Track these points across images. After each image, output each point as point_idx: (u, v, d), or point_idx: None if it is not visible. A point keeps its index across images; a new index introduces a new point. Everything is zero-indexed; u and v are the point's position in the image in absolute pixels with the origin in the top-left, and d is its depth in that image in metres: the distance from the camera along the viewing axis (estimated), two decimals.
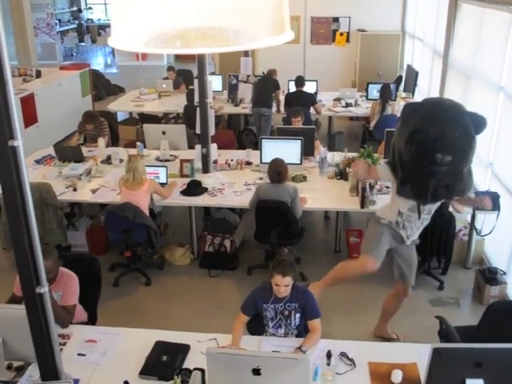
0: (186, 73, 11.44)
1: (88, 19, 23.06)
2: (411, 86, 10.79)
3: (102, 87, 13.66)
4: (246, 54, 10.45)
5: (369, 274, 4.29)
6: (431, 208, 4.05)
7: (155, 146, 6.89)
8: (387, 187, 5.69)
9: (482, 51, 6.64)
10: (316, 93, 9.69)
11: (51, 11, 18.95)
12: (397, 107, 8.96)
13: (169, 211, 6.86)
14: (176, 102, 9.56)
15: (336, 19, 12.79)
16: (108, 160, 6.79)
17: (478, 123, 3.65)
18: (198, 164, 6.45)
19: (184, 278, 5.85)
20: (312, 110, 8.88)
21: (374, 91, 9.61)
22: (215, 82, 8.85)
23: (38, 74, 10.93)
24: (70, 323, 3.64)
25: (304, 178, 6.21)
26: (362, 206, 5.53)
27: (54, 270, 3.62)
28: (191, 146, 6.85)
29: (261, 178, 6.21)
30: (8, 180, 2.42)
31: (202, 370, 3.01)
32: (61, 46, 20.13)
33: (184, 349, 3.39)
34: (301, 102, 8.61)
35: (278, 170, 5.30)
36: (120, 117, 10.28)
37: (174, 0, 1.04)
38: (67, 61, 17.84)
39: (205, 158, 6.44)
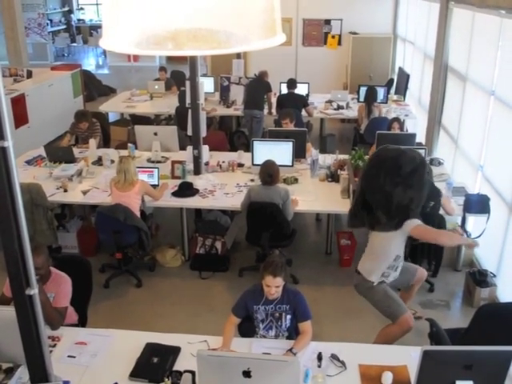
0: (177, 74, 11.44)
1: (79, 20, 22.99)
2: (402, 89, 10.85)
3: (93, 88, 13.61)
4: (238, 55, 10.45)
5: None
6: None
7: (147, 147, 6.87)
8: None
9: (474, 55, 6.68)
10: (308, 95, 9.71)
11: (43, 11, 18.91)
12: (385, 109, 9.01)
13: (160, 213, 6.84)
14: (168, 104, 9.57)
15: (328, 22, 12.82)
16: (99, 161, 6.77)
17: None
18: (190, 165, 6.44)
19: (175, 279, 5.84)
20: (304, 112, 8.90)
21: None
22: (207, 84, 8.83)
23: (29, 75, 10.87)
24: (60, 325, 3.63)
25: (295, 180, 6.22)
26: (353, 226, 5.52)
27: (45, 265, 3.62)
28: (183, 148, 6.84)
29: (252, 180, 6.21)
30: None
31: (193, 372, 3.00)
32: (52, 47, 20.06)
33: (174, 351, 3.38)
34: (292, 104, 8.62)
35: (269, 172, 5.30)
36: (111, 118, 10.26)
37: (165, 2, 1.04)
38: (58, 61, 17.77)
39: (196, 160, 6.44)
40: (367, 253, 4.27)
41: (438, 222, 5.27)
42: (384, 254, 4.11)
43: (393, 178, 3.84)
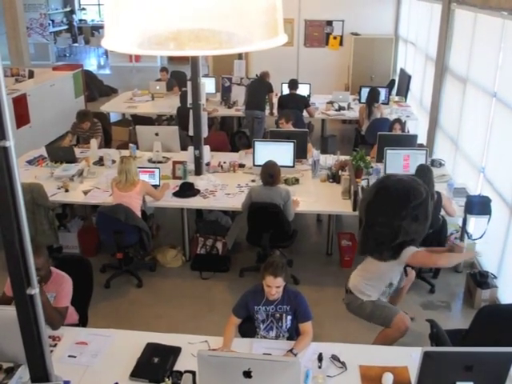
0: (179, 74, 11.45)
1: (81, 20, 23.02)
2: (404, 90, 10.85)
3: (94, 88, 13.62)
4: (239, 56, 10.46)
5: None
6: None
7: (148, 147, 6.87)
8: None
9: (475, 56, 6.68)
10: (309, 96, 9.71)
11: (44, 11, 18.90)
12: (386, 110, 9.01)
13: (161, 213, 6.85)
14: (169, 104, 9.57)
15: (329, 22, 12.82)
16: (100, 161, 6.78)
17: None
18: (191, 166, 6.45)
19: (176, 279, 5.84)
20: (305, 112, 8.90)
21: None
22: (208, 84, 8.84)
23: (31, 75, 10.88)
24: (61, 325, 3.63)
25: (296, 181, 6.22)
26: (354, 209, 5.53)
27: (45, 266, 3.62)
28: (184, 148, 6.84)
29: (253, 181, 6.21)
30: None
31: (193, 373, 3.00)
32: (54, 47, 20.08)
33: (175, 351, 3.38)
34: (294, 104, 8.62)
35: (270, 173, 5.31)
36: (113, 118, 10.26)
37: (167, 2, 1.04)
38: (60, 61, 17.77)
39: (197, 160, 6.44)
40: (360, 274, 4.25)
41: (440, 224, 5.28)
42: (378, 280, 4.13)
43: (401, 212, 3.84)
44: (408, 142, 6.76)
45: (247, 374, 2.70)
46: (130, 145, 7.05)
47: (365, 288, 4.16)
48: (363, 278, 4.20)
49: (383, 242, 3.97)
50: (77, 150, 6.99)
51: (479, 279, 5.33)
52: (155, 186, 5.89)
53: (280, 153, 6.28)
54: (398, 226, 3.85)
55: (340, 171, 6.25)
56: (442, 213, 5.36)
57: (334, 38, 12.90)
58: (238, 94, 9.70)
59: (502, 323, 3.67)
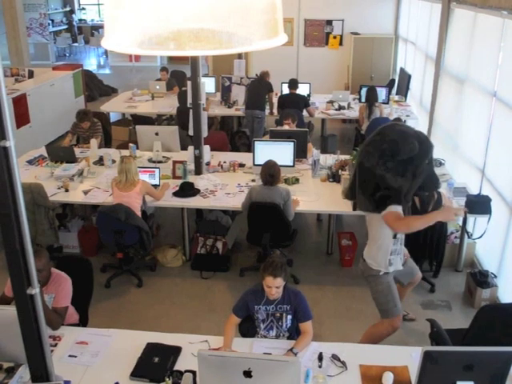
0: (179, 74, 11.45)
1: (81, 20, 23.01)
2: (404, 90, 10.84)
3: (94, 88, 13.63)
4: (239, 56, 10.46)
5: (360, 277, 4.30)
6: None
7: (148, 147, 6.87)
8: None
9: (475, 56, 6.68)
10: (309, 95, 9.71)
11: (44, 11, 18.90)
12: (387, 110, 9.01)
13: (161, 213, 6.85)
14: (169, 104, 9.57)
15: (329, 22, 12.82)
16: (100, 161, 6.78)
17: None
18: (191, 166, 6.45)
19: (176, 279, 5.84)
20: (305, 112, 8.90)
21: None
22: (208, 84, 8.84)
23: (31, 75, 10.88)
24: (60, 325, 3.63)
25: (296, 181, 6.22)
26: (355, 209, 5.52)
27: (46, 268, 3.62)
28: (184, 148, 6.84)
29: (253, 180, 6.21)
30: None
31: (194, 372, 3.00)
32: (54, 47, 20.08)
33: (175, 350, 3.38)
34: (294, 104, 8.62)
35: (270, 172, 5.31)
36: (113, 118, 10.26)
37: (167, 2, 1.04)
38: (60, 61, 17.77)
39: (197, 160, 6.44)
40: (369, 240, 4.19)
41: (440, 223, 5.27)
42: (383, 238, 4.00)
43: (386, 162, 3.68)
44: None
45: (247, 374, 2.70)
46: (130, 144, 7.05)
47: (377, 252, 4.06)
48: (371, 242, 4.14)
49: (366, 189, 3.86)
50: (77, 150, 6.99)
51: (479, 278, 5.33)
52: (155, 186, 5.89)
53: (280, 152, 6.28)
54: (380, 176, 3.71)
55: (340, 171, 6.25)
56: None
57: (334, 37, 12.89)
58: (238, 93, 9.70)
59: (502, 322, 3.67)
